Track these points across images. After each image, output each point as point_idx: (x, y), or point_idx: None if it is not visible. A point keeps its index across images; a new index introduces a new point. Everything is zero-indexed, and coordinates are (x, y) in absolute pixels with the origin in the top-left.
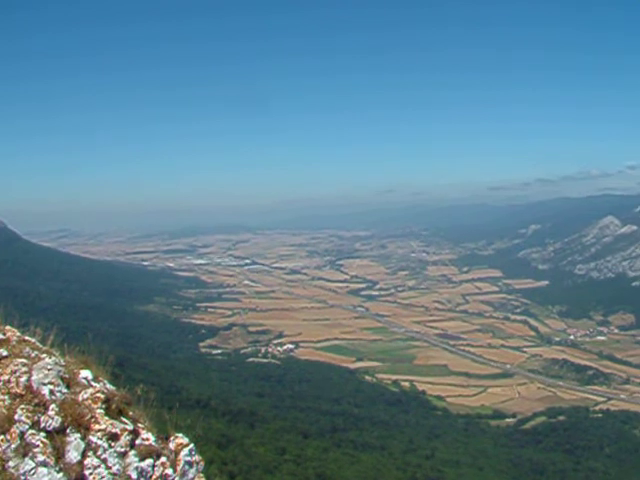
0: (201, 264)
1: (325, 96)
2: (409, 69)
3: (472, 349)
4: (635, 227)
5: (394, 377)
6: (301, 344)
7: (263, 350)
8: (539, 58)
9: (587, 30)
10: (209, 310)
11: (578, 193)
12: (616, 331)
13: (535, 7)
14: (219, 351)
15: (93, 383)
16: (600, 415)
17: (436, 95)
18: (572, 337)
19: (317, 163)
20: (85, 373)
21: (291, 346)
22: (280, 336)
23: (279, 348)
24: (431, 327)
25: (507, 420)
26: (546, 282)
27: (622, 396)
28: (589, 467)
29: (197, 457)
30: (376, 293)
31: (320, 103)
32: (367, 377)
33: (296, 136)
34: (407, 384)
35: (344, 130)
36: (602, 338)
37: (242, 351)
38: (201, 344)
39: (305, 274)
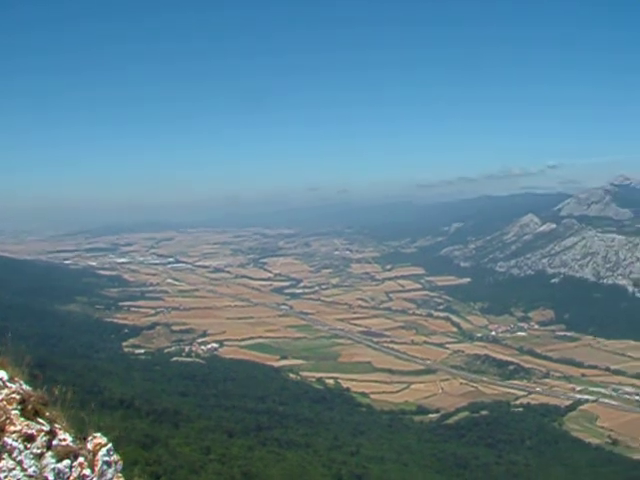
0: (124, 263)
1: (248, 95)
2: (332, 67)
3: (396, 346)
4: (554, 225)
5: (318, 375)
6: (225, 343)
7: (187, 349)
8: (459, 56)
9: (505, 24)
10: (132, 309)
11: (500, 191)
12: (536, 327)
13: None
14: (142, 351)
15: (8, 384)
16: (521, 409)
17: (360, 94)
18: (493, 333)
19: (242, 161)
20: (0, 374)
21: (215, 345)
22: (204, 335)
23: (203, 347)
24: (355, 324)
25: (430, 416)
26: (468, 279)
27: (541, 390)
28: (510, 460)
29: (115, 457)
30: (300, 291)
31: (243, 102)
32: (292, 375)
33: (219, 133)
34: (331, 381)
35: (269, 128)
36: (523, 334)
37: (166, 350)
38: (124, 344)
39: (229, 272)
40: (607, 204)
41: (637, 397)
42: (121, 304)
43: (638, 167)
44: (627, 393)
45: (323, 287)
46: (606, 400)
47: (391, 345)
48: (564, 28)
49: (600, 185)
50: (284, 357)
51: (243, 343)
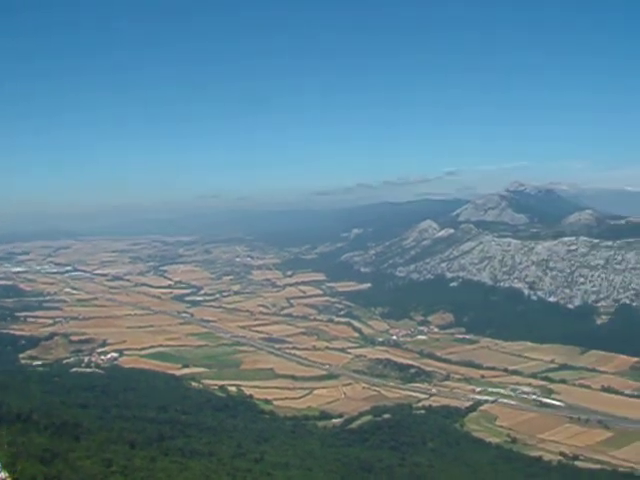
0: (19, 272)
1: (146, 105)
2: (221, 79)
3: (298, 352)
4: (452, 230)
5: (221, 382)
6: (125, 352)
7: (86, 360)
8: (349, 61)
9: (391, 33)
10: (29, 320)
11: (399, 198)
12: (436, 330)
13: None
14: (40, 362)
15: None
16: (423, 411)
17: (253, 105)
18: (394, 337)
19: (141, 168)
20: None
21: (115, 354)
22: (104, 344)
23: (103, 357)
24: (257, 331)
25: (334, 420)
26: (368, 284)
27: (443, 392)
28: (414, 462)
29: (3, 474)
30: (201, 298)
31: (143, 111)
32: (194, 383)
33: (117, 139)
34: (234, 389)
35: (168, 137)
36: (423, 337)
37: (65, 361)
38: (21, 355)
39: (128, 280)
40: (503, 210)
41: (534, 396)
42: (17, 314)
43: (533, 174)
44: (524, 393)
45: (224, 294)
46: (505, 400)
47: (293, 351)
48: (449, 32)
49: (496, 191)
50: (186, 365)
51: (144, 352)
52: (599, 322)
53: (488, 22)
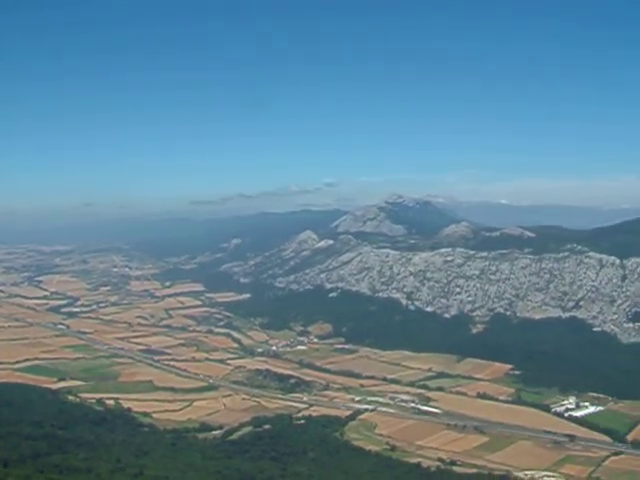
0: None
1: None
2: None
3: (177, 363)
4: (331, 241)
5: (98, 396)
6: None
7: None
8: (233, 76)
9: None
10: None
11: (278, 208)
12: (315, 340)
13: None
14: None
15: None
16: (303, 421)
17: (134, 112)
18: (274, 348)
19: (14, 173)
20: None
21: None
22: None
23: None
24: (135, 343)
25: (214, 432)
26: (248, 295)
27: (322, 401)
28: (295, 472)
29: None
30: (77, 310)
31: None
32: (70, 397)
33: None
34: (112, 402)
35: (39, 141)
36: (302, 347)
37: None
38: None
39: (1, 291)
40: (382, 221)
41: (412, 404)
42: None
43: (411, 186)
44: (403, 401)
45: (101, 305)
46: (384, 408)
47: (172, 363)
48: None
49: (375, 203)
50: (62, 379)
51: (17, 366)
52: (475, 331)
53: (359, 33)
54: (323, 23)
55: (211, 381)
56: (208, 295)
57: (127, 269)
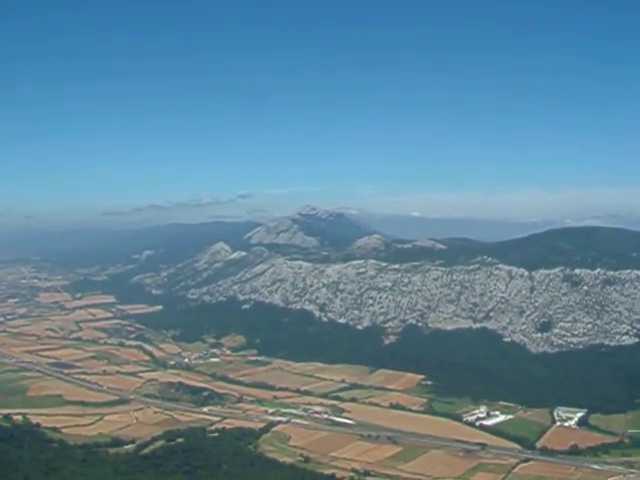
0: None
1: None
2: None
3: (87, 377)
4: (244, 253)
5: (5, 411)
6: None
7: None
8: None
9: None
10: None
11: (191, 220)
12: (228, 352)
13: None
14: None
15: None
16: (217, 434)
17: (44, 124)
18: (187, 360)
19: None
20: None
21: None
22: None
23: None
24: (44, 356)
25: (126, 447)
26: (160, 307)
27: (236, 414)
28: None
29: None
30: None
31: None
32: None
33: None
34: (20, 417)
35: None
36: (216, 360)
37: None
38: None
39: None
40: (295, 233)
41: (326, 415)
42: None
43: (324, 198)
44: (316, 412)
45: (9, 317)
46: (298, 420)
47: (82, 376)
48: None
49: (289, 214)
50: None
51: None
52: (387, 342)
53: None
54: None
55: (122, 394)
56: (119, 307)
57: (36, 280)
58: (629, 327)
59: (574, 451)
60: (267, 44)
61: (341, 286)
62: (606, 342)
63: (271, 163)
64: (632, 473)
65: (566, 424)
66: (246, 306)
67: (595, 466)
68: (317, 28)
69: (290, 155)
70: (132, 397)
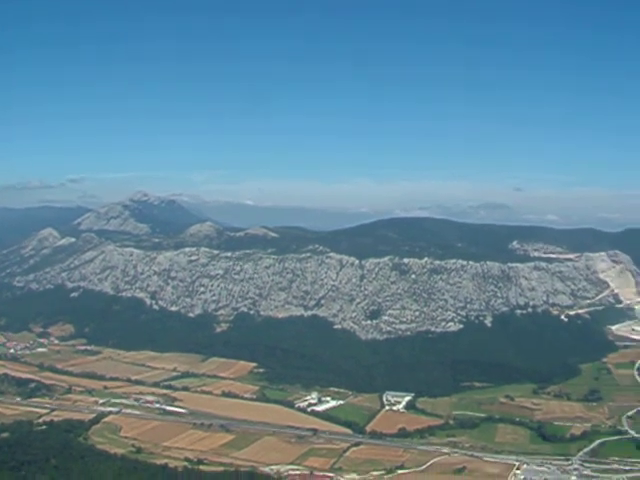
0: None
1: None
2: None
3: None
4: (73, 239)
5: None
6: None
7: None
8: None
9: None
10: None
11: (17, 204)
12: (56, 342)
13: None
14: None
15: None
16: (44, 427)
17: None
18: (12, 351)
19: None
20: None
21: None
22: None
23: None
24: None
25: None
26: None
27: (64, 406)
28: None
29: None
30: None
31: None
32: None
33: None
34: None
35: None
36: (43, 350)
37: None
38: None
39: None
40: (126, 219)
41: (157, 405)
42: None
43: (158, 184)
44: (148, 402)
45: None
46: (129, 410)
47: None
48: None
49: (120, 200)
50: None
51: None
52: (219, 330)
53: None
54: None
55: None
56: None
57: None
58: (454, 314)
59: (402, 434)
60: None
61: (172, 274)
62: (432, 329)
63: (104, 146)
64: (456, 452)
65: (394, 408)
66: (75, 294)
67: (422, 447)
68: None
69: (125, 139)
70: None
